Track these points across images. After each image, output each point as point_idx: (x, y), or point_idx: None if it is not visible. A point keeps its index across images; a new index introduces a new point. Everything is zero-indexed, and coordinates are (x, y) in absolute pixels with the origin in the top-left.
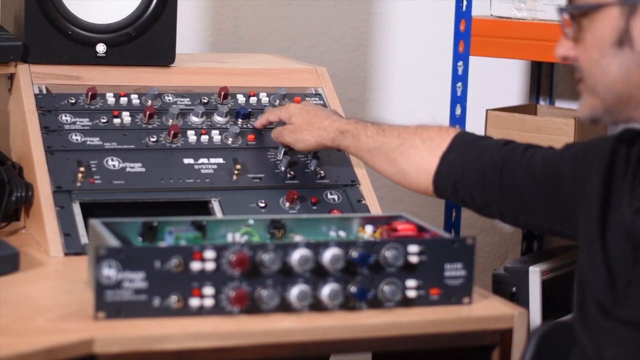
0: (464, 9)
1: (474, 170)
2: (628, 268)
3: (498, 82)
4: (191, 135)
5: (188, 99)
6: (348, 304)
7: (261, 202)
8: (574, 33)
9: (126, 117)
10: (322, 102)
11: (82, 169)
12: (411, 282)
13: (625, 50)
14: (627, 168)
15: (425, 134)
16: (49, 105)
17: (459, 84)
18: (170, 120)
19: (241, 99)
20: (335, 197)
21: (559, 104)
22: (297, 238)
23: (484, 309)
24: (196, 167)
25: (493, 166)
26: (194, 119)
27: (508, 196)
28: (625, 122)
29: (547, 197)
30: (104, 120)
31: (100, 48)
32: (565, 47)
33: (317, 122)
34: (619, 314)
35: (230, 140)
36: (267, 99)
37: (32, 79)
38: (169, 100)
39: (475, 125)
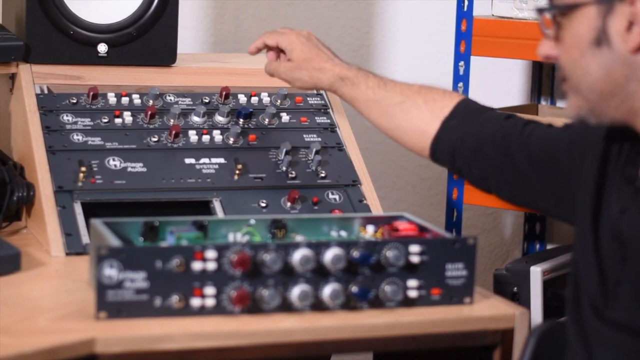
0: (465, 9)
1: (474, 141)
2: (617, 267)
3: (499, 82)
4: (192, 135)
5: (189, 99)
6: (349, 303)
7: (262, 202)
8: (554, 33)
9: (127, 117)
10: (323, 102)
11: (83, 168)
12: (412, 282)
13: (603, 50)
14: (617, 162)
15: (428, 95)
16: (50, 105)
17: (461, 84)
18: (172, 120)
19: (242, 99)
20: (337, 197)
21: (560, 104)
22: (299, 238)
23: (485, 309)
24: (197, 167)
25: (492, 140)
26: (195, 118)
27: (505, 172)
28: (609, 122)
29: (544, 178)
30: (106, 120)
31: (102, 48)
32: (547, 46)
33: (318, 62)
34: (609, 314)
35: (231, 140)
36: (268, 99)
37: (33, 78)
38: (171, 100)
39: None
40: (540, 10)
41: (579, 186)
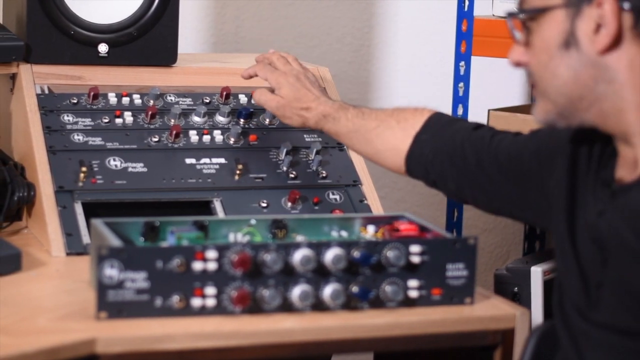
0: (465, 9)
1: (446, 154)
2: (597, 270)
3: (500, 82)
4: (193, 135)
5: (190, 99)
6: (350, 304)
7: (263, 202)
8: (524, 38)
9: (128, 117)
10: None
11: (84, 168)
12: (413, 282)
13: (571, 52)
14: (589, 167)
15: (401, 115)
16: (51, 105)
17: (461, 84)
18: (172, 120)
19: (243, 99)
20: (337, 197)
21: None
22: (299, 238)
23: (486, 309)
24: (198, 167)
25: (463, 152)
26: (196, 119)
27: (479, 183)
28: (578, 125)
29: (515, 187)
30: (106, 120)
31: (102, 48)
32: (517, 52)
33: (305, 101)
34: (594, 317)
35: (232, 140)
36: None
37: (34, 79)
38: (171, 100)
39: None
40: (510, 15)
41: (551, 192)
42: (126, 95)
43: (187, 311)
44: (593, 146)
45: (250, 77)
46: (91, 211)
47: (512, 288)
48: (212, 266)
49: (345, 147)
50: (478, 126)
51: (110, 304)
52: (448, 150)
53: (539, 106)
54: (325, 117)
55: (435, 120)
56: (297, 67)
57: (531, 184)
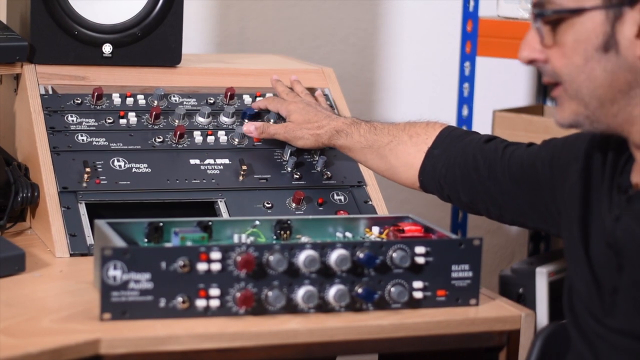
0: (471, 9)
1: (458, 168)
2: (613, 276)
3: (505, 82)
4: (197, 136)
5: (194, 100)
6: (354, 305)
7: (267, 203)
8: (547, 36)
9: (132, 117)
10: (329, 102)
11: (88, 169)
12: (418, 284)
13: (610, 55)
14: (603, 173)
15: (412, 130)
16: (55, 105)
17: (466, 85)
18: (177, 121)
19: (247, 99)
20: (342, 198)
21: None
22: (304, 239)
23: (491, 311)
24: (202, 167)
25: (476, 164)
26: (200, 119)
27: (492, 195)
28: (603, 130)
29: (529, 197)
30: (110, 121)
31: (107, 48)
32: (533, 50)
33: (316, 120)
34: (609, 323)
35: (236, 141)
36: None
37: (38, 79)
38: (175, 100)
39: (482, 126)
40: (539, 14)
41: (563, 200)
42: (130, 96)
43: (191, 312)
44: (607, 153)
45: (260, 109)
46: (95, 212)
47: (517, 289)
48: (216, 267)
49: None
50: (490, 138)
51: (114, 305)
52: (460, 163)
53: (566, 107)
54: (338, 132)
55: (447, 134)
56: (303, 93)
57: (543, 192)
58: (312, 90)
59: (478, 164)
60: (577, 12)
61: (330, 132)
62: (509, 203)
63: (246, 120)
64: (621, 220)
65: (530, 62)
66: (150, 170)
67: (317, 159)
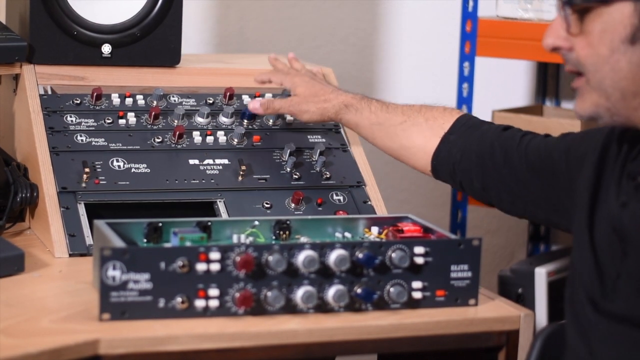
0: (470, 9)
1: (474, 154)
2: (616, 261)
3: (504, 83)
4: (196, 136)
5: (193, 100)
6: (354, 305)
7: (266, 203)
8: (574, 24)
9: (131, 117)
10: None
11: (87, 169)
12: (417, 284)
13: (636, 48)
14: (616, 162)
15: (429, 113)
16: (54, 105)
17: (465, 85)
18: (176, 121)
19: (247, 99)
20: (341, 198)
21: (565, 104)
22: (303, 239)
23: (490, 311)
24: (201, 167)
25: (492, 151)
26: (200, 119)
27: (506, 182)
28: (622, 123)
29: (542, 186)
30: (109, 121)
31: (106, 49)
32: (558, 37)
33: (322, 94)
34: (608, 307)
35: (235, 141)
36: None
37: (37, 79)
38: (175, 101)
39: None
40: (567, 2)
41: (577, 192)
42: (129, 96)
43: (190, 312)
44: (622, 145)
45: (264, 82)
46: (94, 212)
47: (517, 289)
48: (215, 267)
49: (348, 147)
50: (507, 127)
51: (113, 305)
52: (476, 150)
53: (587, 98)
54: (347, 106)
55: (464, 122)
56: (303, 70)
57: (558, 182)
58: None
59: (494, 151)
60: (606, 2)
61: (338, 106)
62: (522, 192)
63: (245, 121)
64: (628, 207)
65: (554, 49)
66: (149, 171)
67: (316, 159)
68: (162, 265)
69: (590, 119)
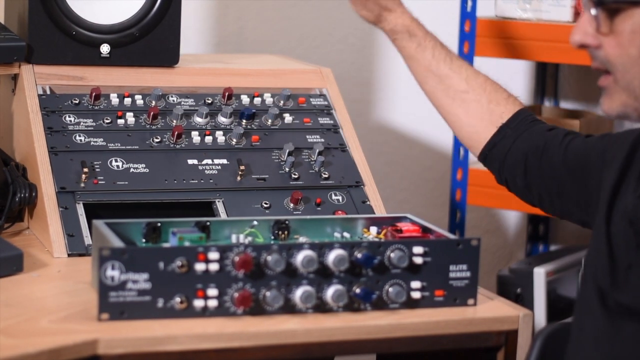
0: (468, 9)
1: (521, 152)
2: (630, 252)
3: (503, 83)
4: (195, 136)
5: (192, 100)
6: (352, 305)
7: (265, 203)
8: (604, 24)
9: (130, 117)
10: (326, 102)
11: (85, 169)
12: (416, 284)
13: None
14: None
15: (492, 95)
16: (52, 105)
17: None
18: (174, 121)
19: (245, 99)
20: (340, 198)
21: (563, 104)
22: (302, 239)
23: (489, 311)
24: (200, 167)
25: (535, 151)
26: (198, 119)
27: (546, 181)
28: None
29: (578, 186)
30: (108, 121)
31: (104, 49)
32: (586, 34)
33: (388, 3)
34: (617, 298)
35: (234, 141)
36: (271, 99)
37: (35, 79)
38: (173, 101)
39: None
40: (599, 1)
41: (602, 189)
42: (128, 96)
43: (189, 312)
44: None
45: None
46: (93, 212)
47: (515, 289)
48: (214, 267)
49: (347, 147)
50: (552, 127)
51: (112, 305)
52: (523, 148)
53: (615, 98)
54: (410, 34)
55: (523, 117)
56: None
57: (590, 182)
58: (310, 90)
59: (537, 150)
60: (638, 3)
61: (401, 26)
62: (559, 191)
63: (244, 121)
64: None
65: (582, 46)
66: (148, 171)
67: (315, 159)
68: (161, 265)
69: (618, 118)
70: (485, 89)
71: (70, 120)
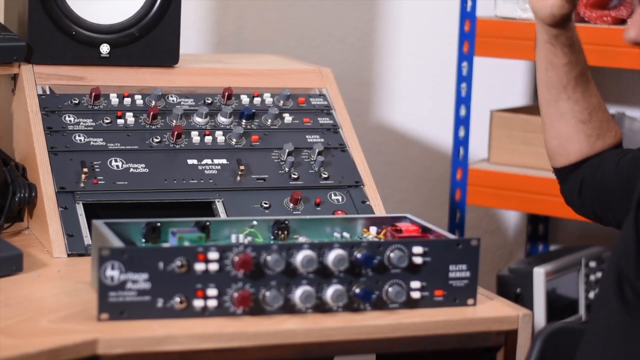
0: (468, 9)
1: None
2: None
3: (502, 82)
4: (195, 136)
5: (192, 100)
6: (352, 305)
7: (265, 203)
8: None
9: (130, 117)
10: (326, 102)
11: (85, 169)
12: (415, 284)
13: None
14: None
15: (603, 132)
16: (52, 105)
17: (464, 85)
18: (174, 121)
19: (245, 99)
20: (339, 198)
21: None
22: (301, 239)
23: (489, 311)
24: (200, 167)
25: (590, 167)
26: (198, 119)
27: (600, 193)
28: None
29: (625, 196)
30: (108, 121)
31: (104, 48)
32: (638, 32)
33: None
34: (637, 285)
35: (234, 141)
36: (271, 99)
37: (35, 79)
38: (173, 100)
39: (479, 126)
40: None
41: None
42: (128, 96)
43: (188, 312)
44: None
45: None
46: (92, 212)
47: (515, 289)
48: (213, 267)
49: (347, 147)
50: (619, 148)
51: (112, 305)
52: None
53: None
54: (574, 47)
55: (618, 151)
56: None
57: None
58: (309, 90)
59: (593, 165)
60: None
61: (576, 37)
62: (611, 202)
63: (244, 121)
64: None
65: (637, 43)
66: (147, 171)
67: (314, 159)
68: (161, 265)
69: None
70: (601, 127)
71: (70, 120)
